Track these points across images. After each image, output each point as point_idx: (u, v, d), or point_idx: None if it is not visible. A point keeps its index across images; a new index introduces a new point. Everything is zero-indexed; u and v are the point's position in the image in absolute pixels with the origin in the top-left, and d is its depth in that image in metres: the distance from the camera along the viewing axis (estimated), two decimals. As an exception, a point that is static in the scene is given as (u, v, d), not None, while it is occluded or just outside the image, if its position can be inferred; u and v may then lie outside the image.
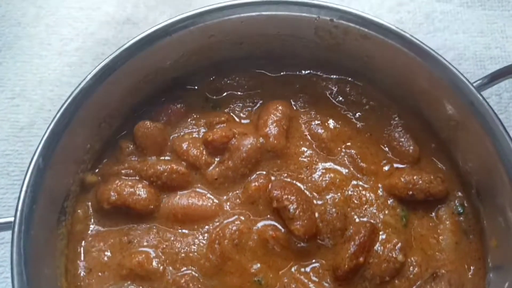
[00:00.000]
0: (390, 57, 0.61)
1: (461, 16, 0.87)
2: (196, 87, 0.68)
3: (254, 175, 0.61)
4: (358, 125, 0.65)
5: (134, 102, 0.65)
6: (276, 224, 0.58)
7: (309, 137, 0.65)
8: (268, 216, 0.58)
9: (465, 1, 0.90)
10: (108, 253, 0.59)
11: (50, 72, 0.85)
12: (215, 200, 0.61)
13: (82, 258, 0.59)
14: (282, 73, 0.69)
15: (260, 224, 0.59)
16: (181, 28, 0.60)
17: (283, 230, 0.57)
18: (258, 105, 0.67)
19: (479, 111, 0.55)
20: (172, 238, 0.59)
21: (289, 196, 0.57)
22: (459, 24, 0.87)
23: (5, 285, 0.74)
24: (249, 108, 0.67)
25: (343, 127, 0.65)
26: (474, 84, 0.58)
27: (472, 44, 0.85)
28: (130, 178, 0.62)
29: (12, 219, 0.51)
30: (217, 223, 0.59)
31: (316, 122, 0.65)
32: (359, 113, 0.65)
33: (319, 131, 0.64)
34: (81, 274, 0.59)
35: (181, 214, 0.60)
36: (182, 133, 0.65)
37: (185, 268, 0.57)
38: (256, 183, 0.60)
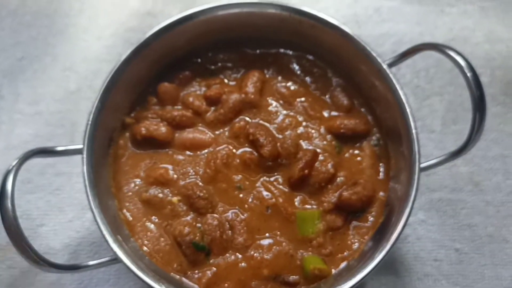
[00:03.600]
0: (330, 40, 0.76)
1: (403, 10, 1.04)
2: (199, 60, 0.84)
3: (238, 119, 0.78)
4: (310, 87, 0.82)
5: (157, 70, 0.81)
6: (251, 150, 0.76)
7: (276, 94, 0.81)
8: (246, 145, 0.76)
9: (406, -1, 1.04)
10: (140, 168, 0.76)
11: (92, 52, 1.00)
12: (211, 135, 0.77)
13: (123, 170, 0.76)
14: (258, 51, 0.84)
15: (240, 150, 0.76)
16: (189, 19, 0.75)
17: (256, 154, 0.75)
18: (241, 73, 0.83)
19: (385, 76, 0.71)
20: (182, 159, 0.76)
21: (260, 132, 0.74)
22: (401, 16, 1.03)
23: (66, 197, 0.88)
24: (236, 75, 0.83)
25: (299, 87, 0.81)
26: (389, 61, 0.73)
27: (410, 32, 1.01)
28: (154, 120, 0.78)
29: (81, 146, 0.68)
30: (212, 149, 0.76)
31: (281, 84, 0.82)
32: (311, 78, 0.83)
33: (283, 90, 0.81)
34: (123, 179, 0.75)
35: (189, 143, 0.77)
36: (189, 91, 0.82)
37: (191, 177, 0.75)
38: (239, 124, 0.77)
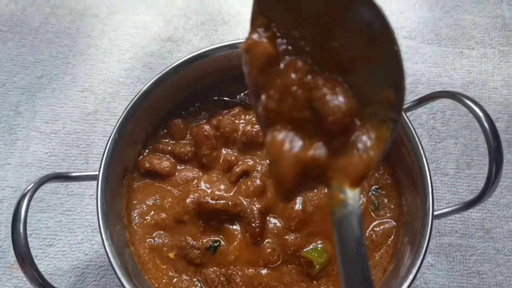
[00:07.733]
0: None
1: (421, 50, 1.03)
2: (214, 98, 0.83)
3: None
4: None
5: (175, 101, 0.81)
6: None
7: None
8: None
9: (425, 39, 1.05)
10: (146, 206, 0.77)
11: (111, 74, 1.00)
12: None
13: (133, 203, 0.76)
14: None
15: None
16: (209, 55, 0.75)
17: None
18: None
19: (402, 124, 0.69)
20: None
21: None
22: (419, 56, 1.02)
23: (77, 218, 0.89)
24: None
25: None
26: (408, 104, 0.73)
27: (427, 72, 1.00)
28: (160, 154, 0.79)
29: (96, 173, 0.68)
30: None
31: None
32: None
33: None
34: (132, 213, 0.76)
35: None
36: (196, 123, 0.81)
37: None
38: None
